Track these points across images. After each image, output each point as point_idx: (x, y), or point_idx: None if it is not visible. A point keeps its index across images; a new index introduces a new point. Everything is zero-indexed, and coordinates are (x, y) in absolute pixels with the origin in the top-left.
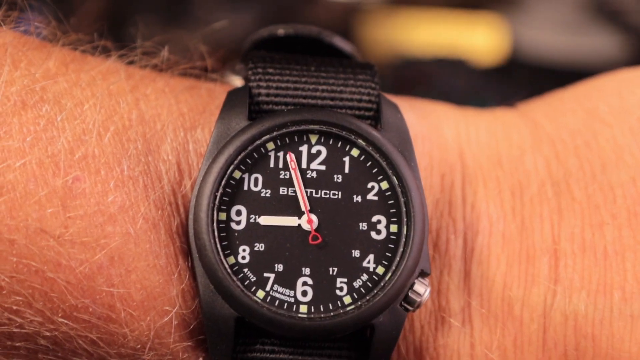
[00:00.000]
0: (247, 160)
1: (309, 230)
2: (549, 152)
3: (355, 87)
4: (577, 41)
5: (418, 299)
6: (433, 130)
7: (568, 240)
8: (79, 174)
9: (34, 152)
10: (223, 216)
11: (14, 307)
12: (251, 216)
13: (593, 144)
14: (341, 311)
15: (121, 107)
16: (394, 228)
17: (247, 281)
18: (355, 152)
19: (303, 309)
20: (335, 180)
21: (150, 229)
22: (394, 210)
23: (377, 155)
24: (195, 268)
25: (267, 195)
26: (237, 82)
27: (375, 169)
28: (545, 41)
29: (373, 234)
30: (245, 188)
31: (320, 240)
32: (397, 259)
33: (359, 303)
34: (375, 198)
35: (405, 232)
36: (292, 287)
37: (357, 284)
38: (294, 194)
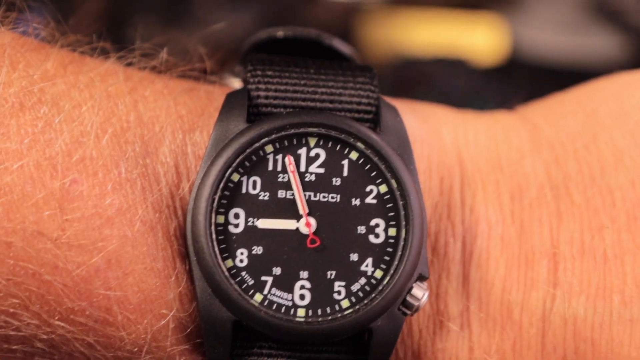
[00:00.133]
0: (246, 163)
1: (307, 233)
2: (548, 156)
3: (355, 89)
4: (577, 41)
5: (416, 303)
6: (432, 133)
7: (567, 243)
8: (77, 177)
9: (31, 154)
10: (221, 219)
11: (11, 310)
12: (249, 219)
13: (592, 148)
14: (339, 315)
15: (119, 109)
16: (392, 232)
17: (245, 284)
18: (354, 155)
19: (301, 312)
20: (333, 183)
21: (148, 231)
22: (393, 213)
23: (376, 159)
24: (193, 271)
25: (266, 198)
26: (236, 84)
27: (374, 173)
28: (545, 41)
29: (371, 238)
30: (244, 191)
31: (318, 243)
32: (396, 262)
33: (357, 307)
34: (374, 201)
35: (403, 235)
36: (290, 290)
37: (355, 287)
38: (292, 197)
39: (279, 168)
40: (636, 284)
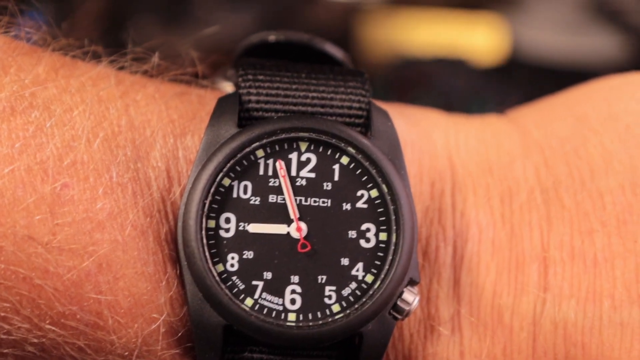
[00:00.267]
0: (237, 167)
1: (298, 238)
2: (538, 159)
3: (346, 94)
4: (577, 41)
5: (407, 308)
6: (423, 137)
7: (557, 247)
8: (68, 181)
9: (22, 159)
10: (212, 224)
11: (2, 314)
12: (240, 224)
13: (582, 151)
14: (330, 319)
15: (111, 113)
16: (383, 236)
17: (236, 289)
18: (345, 160)
19: (291, 317)
20: (324, 188)
21: (139, 236)
22: (384, 218)
23: (366, 163)
24: (184, 276)
25: (257, 202)
26: (229, 88)
27: (365, 177)
28: (545, 41)
29: (362, 242)
30: (235, 195)
31: (309, 248)
32: (386, 267)
33: (348, 311)
34: (365, 206)
35: (394, 240)
36: (281, 295)
37: (345, 292)
38: (283, 202)
39: (270, 173)
40: (626, 288)
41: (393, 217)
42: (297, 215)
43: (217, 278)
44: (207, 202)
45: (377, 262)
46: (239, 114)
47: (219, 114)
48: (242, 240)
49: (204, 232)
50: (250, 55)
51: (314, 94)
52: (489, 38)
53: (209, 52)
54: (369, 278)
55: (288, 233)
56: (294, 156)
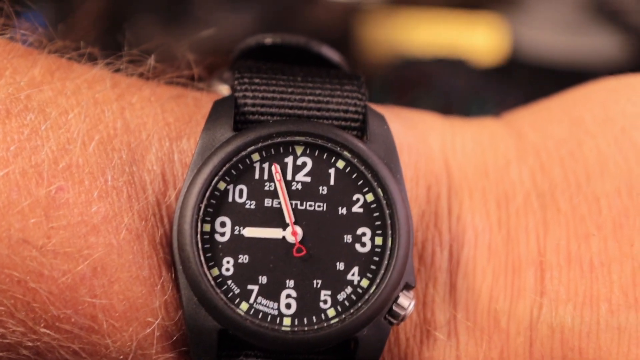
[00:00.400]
0: (232, 171)
1: (294, 242)
2: (534, 163)
3: (342, 97)
4: (577, 41)
5: (402, 312)
6: (419, 140)
7: (554, 252)
8: (63, 184)
9: (17, 162)
10: (207, 228)
11: None
12: (235, 228)
13: (578, 154)
14: (325, 324)
15: (106, 116)
16: (378, 241)
17: (231, 293)
18: (340, 164)
19: (287, 321)
20: (320, 192)
21: (134, 239)
22: (379, 222)
23: (362, 168)
24: (179, 280)
25: (252, 206)
26: (225, 90)
27: (361, 181)
28: (545, 41)
29: (358, 247)
30: (230, 199)
31: (304, 252)
32: (382, 271)
33: (343, 316)
34: (361, 210)
35: (390, 244)
36: (276, 299)
37: (341, 296)
38: (278, 206)
39: (266, 176)
40: (623, 292)
41: (389, 222)
42: (293, 220)
43: (212, 282)
44: (203, 206)
45: (373, 267)
46: (234, 117)
47: (214, 118)
48: (238, 244)
49: (199, 236)
50: (247, 58)
51: (310, 98)
52: (489, 38)
53: (208, 53)
54: (365, 282)
55: (283, 237)
56: (289, 160)
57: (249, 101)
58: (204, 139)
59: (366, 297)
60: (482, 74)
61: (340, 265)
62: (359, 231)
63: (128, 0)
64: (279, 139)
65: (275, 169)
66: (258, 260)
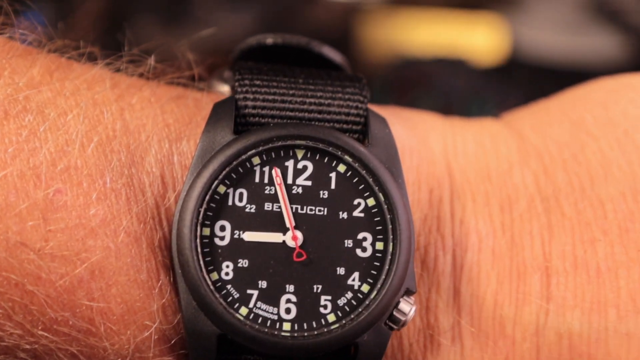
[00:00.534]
0: (232, 175)
1: (294, 246)
2: (536, 167)
3: (343, 100)
4: (577, 41)
5: (403, 318)
6: (421, 142)
7: (559, 257)
8: (61, 186)
9: (15, 164)
10: (207, 231)
11: None
12: (235, 232)
13: (581, 158)
14: (325, 330)
15: (105, 117)
16: (379, 245)
17: (230, 298)
18: (342, 168)
19: (286, 326)
20: (321, 196)
21: (132, 242)
22: (380, 227)
23: (363, 172)
24: (178, 284)
25: (252, 210)
26: (225, 90)
27: (362, 186)
28: (545, 41)
29: (358, 252)
30: (230, 203)
31: (304, 257)
32: (383, 277)
33: (343, 322)
34: (362, 215)
35: (391, 250)
36: (276, 304)
37: (341, 302)
38: (279, 210)
39: (266, 180)
40: (631, 298)
41: (390, 227)
42: (293, 224)
43: (212, 287)
44: (202, 210)
45: (374, 272)
46: (235, 119)
47: (215, 120)
48: (237, 248)
49: (198, 240)
50: (248, 58)
51: (311, 100)
52: (489, 38)
53: (208, 53)
54: (365, 288)
55: (284, 242)
56: (290, 164)
57: (250, 103)
58: (204, 141)
59: (367, 302)
60: (482, 74)
61: (341, 270)
62: (360, 236)
63: (128, 0)
64: (280, 143)
65: (276, 172)
66: (258, 265)
